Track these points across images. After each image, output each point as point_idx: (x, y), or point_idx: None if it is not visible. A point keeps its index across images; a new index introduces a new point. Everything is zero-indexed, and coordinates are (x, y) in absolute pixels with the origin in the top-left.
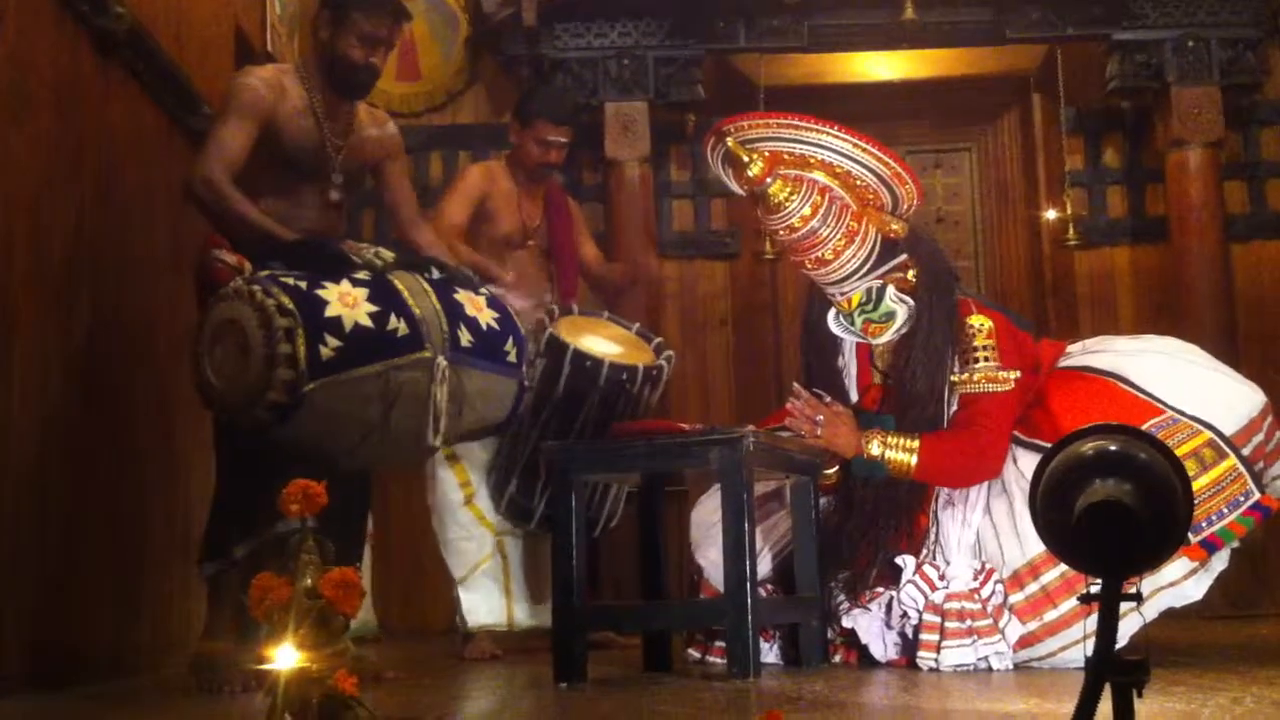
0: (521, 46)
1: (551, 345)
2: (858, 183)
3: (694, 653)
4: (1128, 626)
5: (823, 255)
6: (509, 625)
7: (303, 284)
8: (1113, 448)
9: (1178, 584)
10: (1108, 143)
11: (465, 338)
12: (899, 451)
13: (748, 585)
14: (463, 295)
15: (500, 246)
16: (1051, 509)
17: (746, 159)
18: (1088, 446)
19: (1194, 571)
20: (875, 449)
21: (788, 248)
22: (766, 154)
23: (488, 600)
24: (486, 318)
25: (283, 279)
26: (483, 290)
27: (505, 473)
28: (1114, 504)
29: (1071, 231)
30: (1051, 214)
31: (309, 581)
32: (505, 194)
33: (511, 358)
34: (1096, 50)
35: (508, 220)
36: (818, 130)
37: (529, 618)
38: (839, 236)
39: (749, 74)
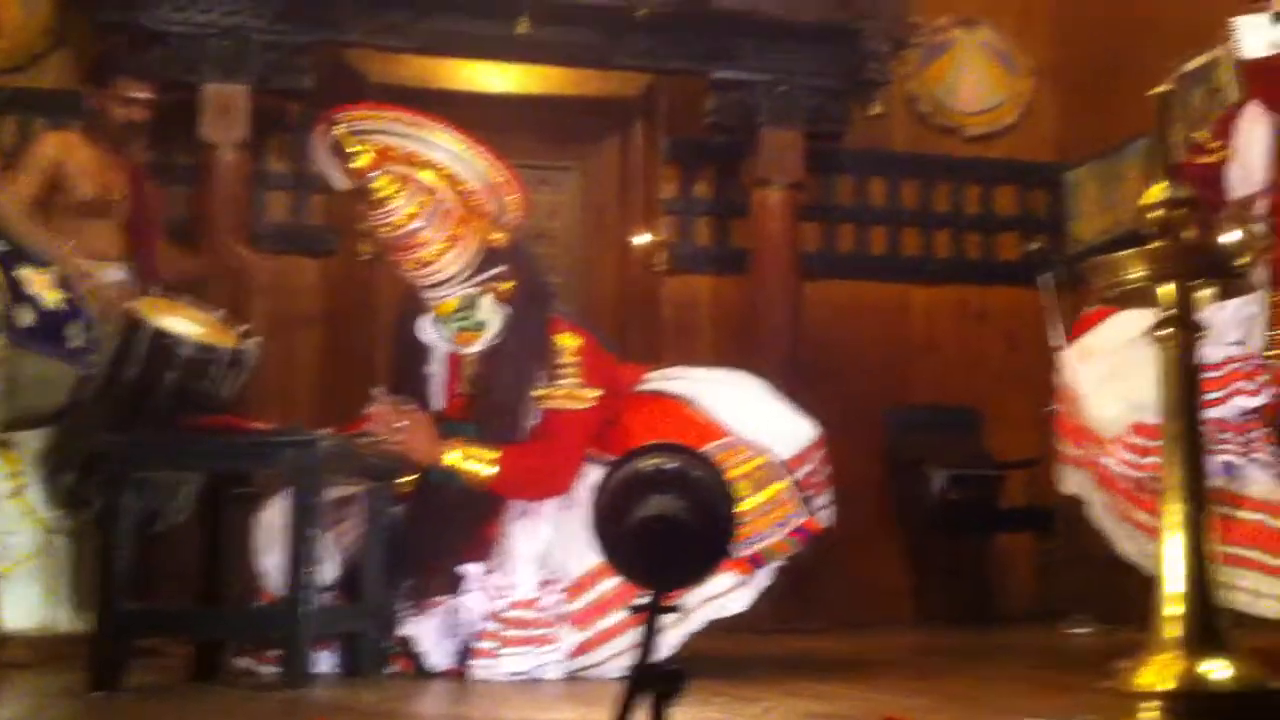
0: (116, 12)
1: (128, 323)
2: (465, 187)
3: (245, 661)
4: (676, 636)
5: (423, 256)
6: (51, 629)
7: None
8: (670, 465)
9: (724, 596)
10: (701, 175)
11: (25, 318)
12: (477, 463)
13: (304, 593)
14: (27, 272)
15: (79, 216)
16: (609, 521)
17: (355, 149)
18: (648, 463)
19: (740, 585)
20: (454, 459)
21: (388, 246)
22: (376, 147)
23: (27, 601)
24: (53, 298)
25: None
26: (53, 267)
27: (61, 463)
28: (666, 518)
29: (660, 257)
30: (643, 239)
31: None
32: (83, 162)
33: (77, 342)
34: (698, 85)
35: (87, 188)
36: (430, 128)
37: (74, 623)
38: (441, 239)
39: (360, 69)
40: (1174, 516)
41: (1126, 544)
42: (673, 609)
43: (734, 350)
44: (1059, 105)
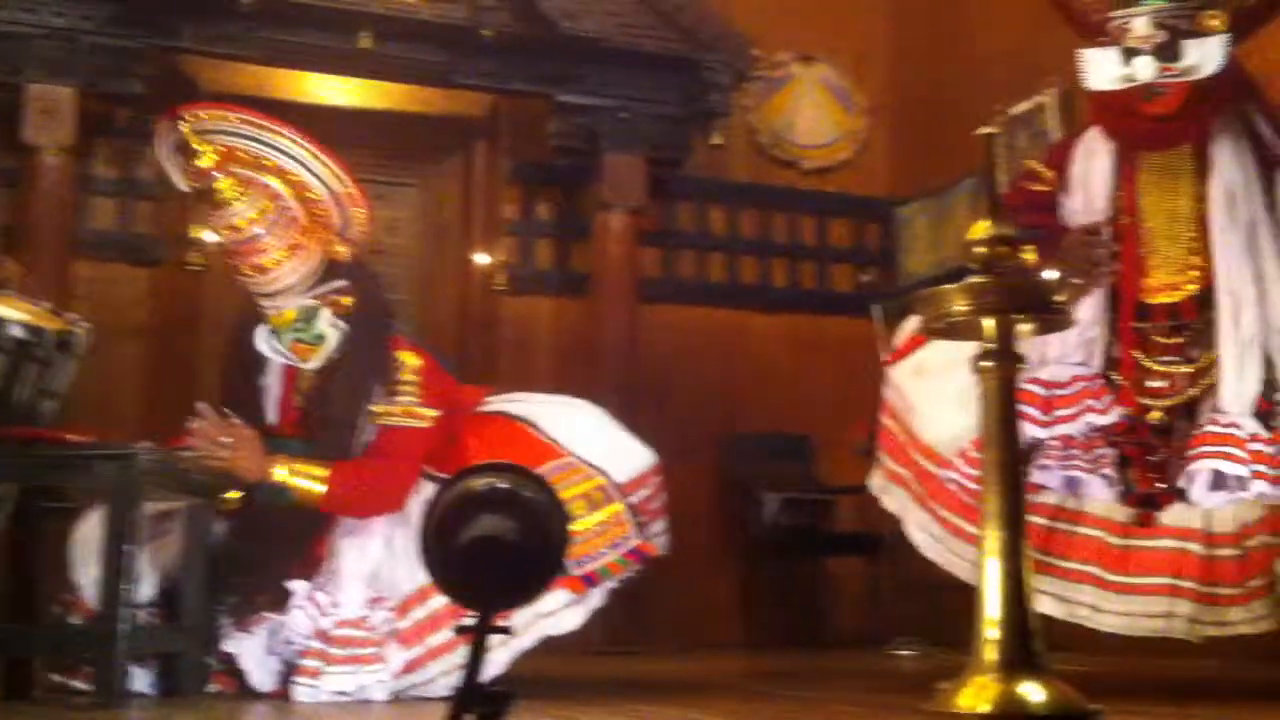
0: None
1: None
2: (310, 195)
3: (58, 678)
4: (508, 653)
5: (262, 263)
6: None
7: None
8: (501, 485)
9: (556, 614)
10: (543, 197)
11: None
12: (307, 479)
13: (120, 610)
14: None
15: None
16: (439, 541)
17: (199, 148)
18: (479, 482)
19: (573, 603)
20: (281, 475)
21: (227, 250)
22: (222, 148)
23: None
24: None
25: None
26: None
27: None
28: (495, 538)
29: (501, 278)
30: (484, 259)
31: None
32: None
33: None
34: (541, 107)
35: None
36: (280, 133)
37: None
38: (282, 247)
39: (193, 76)
40: (992, 542)
41: (954, 560)
42: (501, 630)
43: (573, 372)
44: (892, 143)
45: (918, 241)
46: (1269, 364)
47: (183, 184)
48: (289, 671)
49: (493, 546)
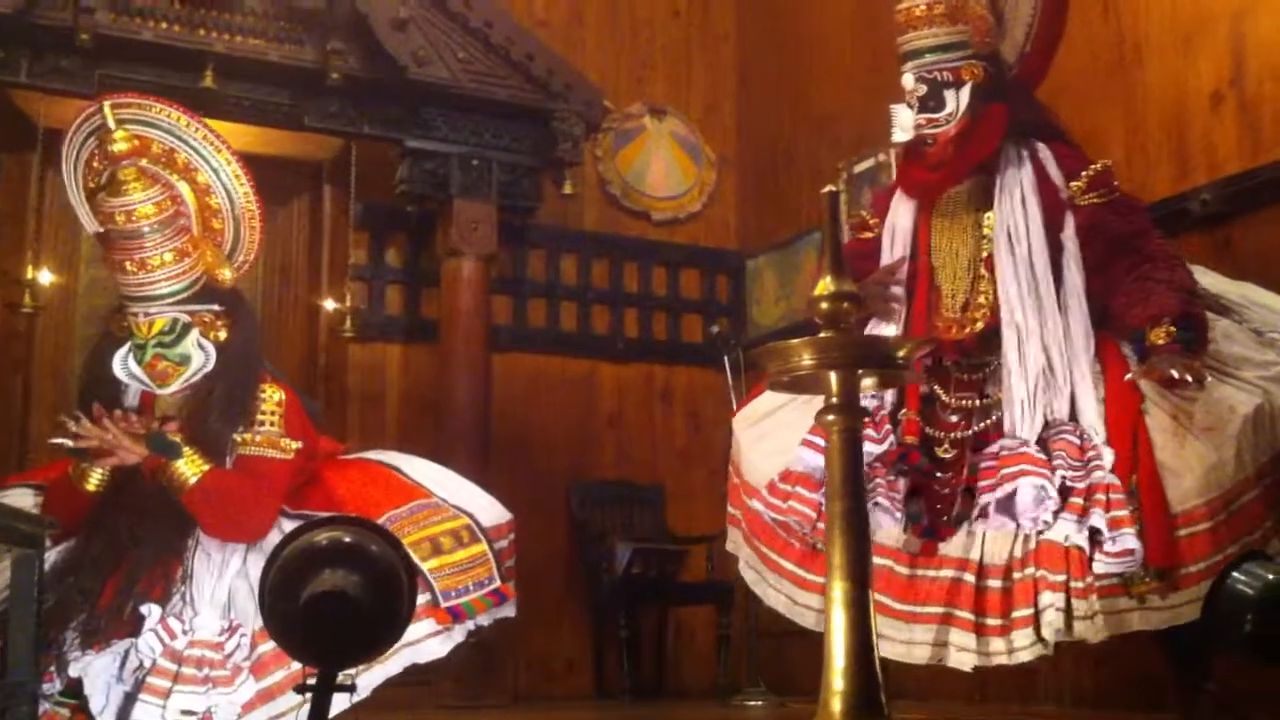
0: None
1: None
2: (211, 204)
3: None
4: (372, 679)
5: (144, 259)
6: None
7: None
8: (346, 539)
9: (422, 642)
10: (392, 242)
11: None
12: (191, 460)
13: None
14: None
15: None
16: (279, 597)
17: (115, 134)
18: (322, 536)
19: (439, 633)
20: (176, 437)
21: (109, 243)
22: (139, 137)
23: None
24: None
25: None
26: None
27: None
28: (338, 594)
29: (349, 323)
30: (331, 304)
31: None
32: None
33: None
34: (390, 152)
35: None
36: (204, 137)
37: None
38: (168, 249)
39: (28, 111)
40: (838, 594)
41: (772, 594)
42: (344, 689)
43: (422, 420)
44: (741, 195)
45: (766, 293)
46: (1051, 398)
47: (78, 186)
48: (129, 700)
49: (336, 602)
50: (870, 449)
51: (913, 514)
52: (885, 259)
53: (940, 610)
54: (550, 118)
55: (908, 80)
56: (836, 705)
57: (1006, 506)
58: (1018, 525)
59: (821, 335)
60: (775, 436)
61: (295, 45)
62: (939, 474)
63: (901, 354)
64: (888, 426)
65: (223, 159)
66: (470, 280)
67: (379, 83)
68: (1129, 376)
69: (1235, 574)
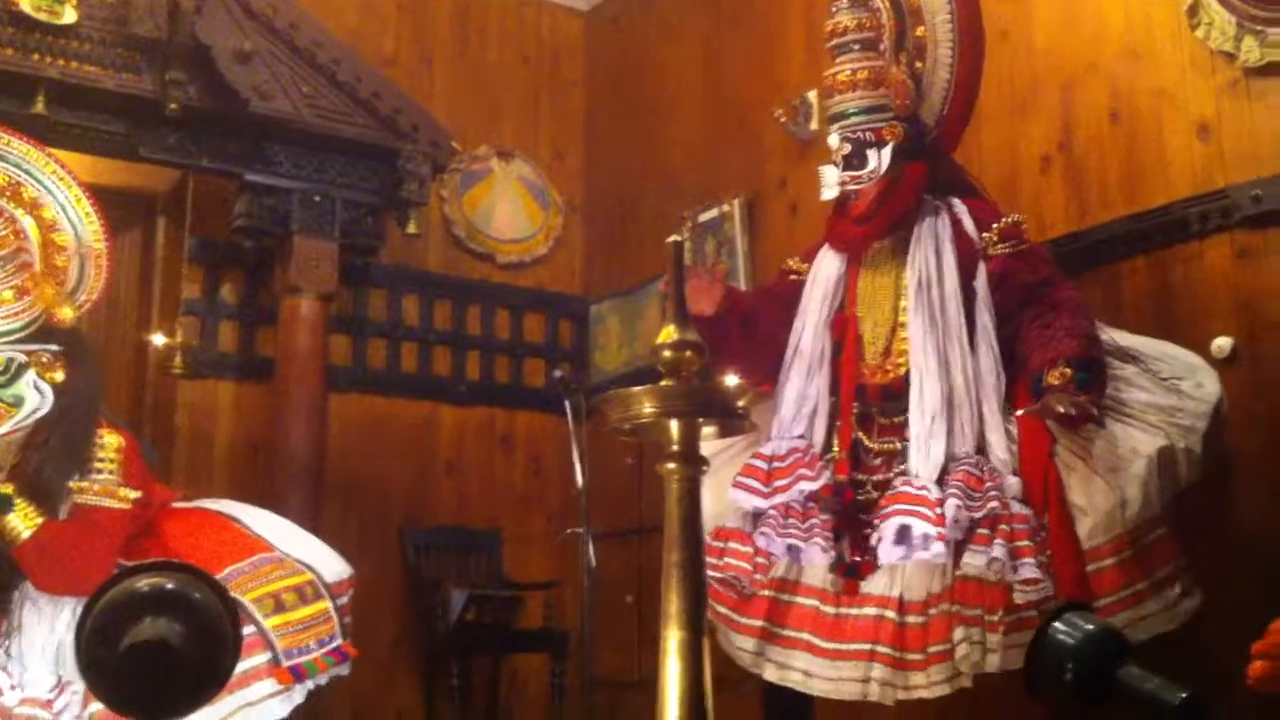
0: None
1: None
2: (56, 241)
3: None
4: None
5: None
6: None
7: None
8: (169, 585)
9: (260, 704)
10: (227, 277)
11: None
12: (24, 515)
13: None
14: None
15: None
16: (97, 645)
17: None
18: (143, 582)
19: (278, 694)
20: (7, 490)
21: None
22: None
23: None
24: None
25: None
26: None
27: None
28: (159, 643)
29: (178, 360)
30: (161, 339)
31: None
32: None
33: None
34: (228, 186)
35: None
36: (53, 172)
37: None
38: (7, 286)
39: None
40: (672, 643)
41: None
42: None
43: (255, 460)
44: (587, 241)
45: (610, 339)
46: (953, 434)
47: None
48: None
49: (157, 652)
50: (805, 487)
51: (838, 554)
52: (805, 304)
53: (865, 647)
54: (396, 157)
55: (833, 140)
56: None
57: (898, 538)
58: (916, 553)
59: (663, 384)
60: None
61: (133, 74)
62: (862, 515)
63: (742, 402)
64: (820, 463)
65: (72, 194)
66: (308, 319)
67: (219, 115)
68: (1020, 413)
69: (1056, 624)
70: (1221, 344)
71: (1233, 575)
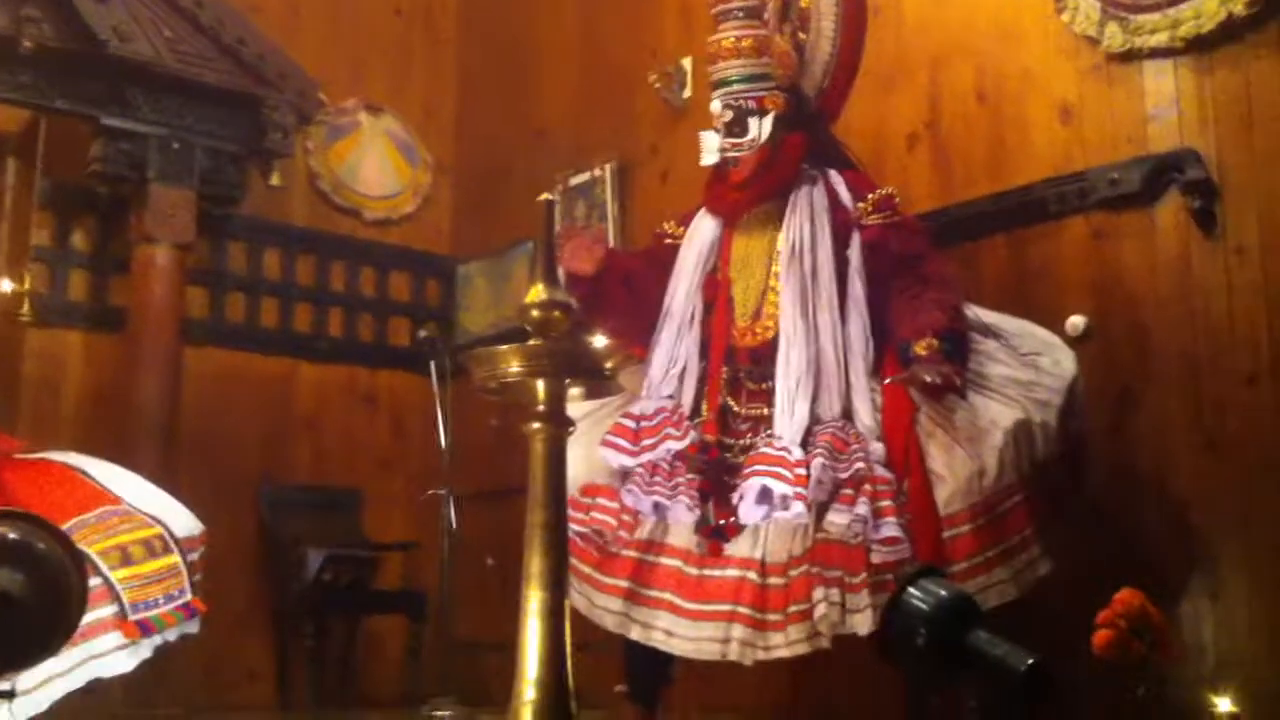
0: None
1: None
2: None
3: None
4: (52, 691)
5: None
6: None
7: None
8: (11, 535)
9: (107, 656)
10: (80, 224)
11: None
12: None
13: None
14: None
15: None
16: None
17: None
18: None
19: (124, 647)
20: None
21: None
22: None
23: None
24: None
25: None
26: None
27: None
28: (2, 595)
29: (26, 307)
30: (7, 285)
31: None
32: None
33: None
34: (83, 128)
35: None
36: None
37: None
38: None
39: None
40: (534, 603)
41: (574, 594)
42: (3, 694)
43: (105, 413)
44: (456, 200)
45: (477, 300)
46: (819, 398)
47: None
48: None
49: None
50: (671, 446)
51: (703, 516)
52: (679, 266)
53: (726, 608)
54: (260, 106)
55: (715, 106)
56: (527, 716)
57: (759, 498)
58: (776, 512)
59: (530, 343)
60: (578, 448)
61: None
62: (726, 477)
63: (610, 364)
64: (688, 423)
65: None
66: (164, 269)
67: (76, 55)
68: (888, 381)
69: (910, 589)
70: (1075, 322)
71: (1082, 546)
